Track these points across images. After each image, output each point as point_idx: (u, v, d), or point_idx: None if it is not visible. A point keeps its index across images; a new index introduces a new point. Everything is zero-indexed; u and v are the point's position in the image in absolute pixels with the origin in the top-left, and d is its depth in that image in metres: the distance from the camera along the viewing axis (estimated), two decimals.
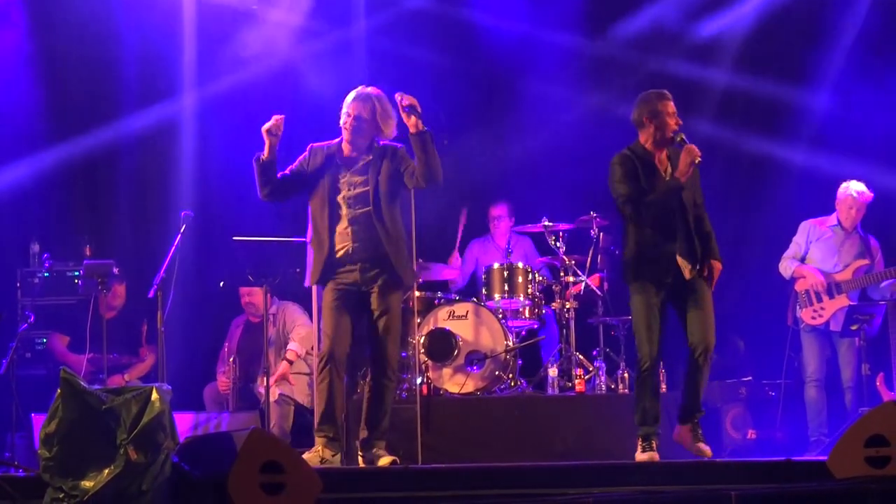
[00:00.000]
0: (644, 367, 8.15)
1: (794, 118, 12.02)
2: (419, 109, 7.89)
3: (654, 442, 8.07)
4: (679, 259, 8.10)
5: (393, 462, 7.88)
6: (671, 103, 8.19)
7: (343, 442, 8.28)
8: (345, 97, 8.13)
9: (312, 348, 9.86)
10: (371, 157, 8.06)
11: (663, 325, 8.21)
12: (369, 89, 8.10)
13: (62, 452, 5.50)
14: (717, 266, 8.19)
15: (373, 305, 8.01)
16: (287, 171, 8.16)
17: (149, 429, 5.51)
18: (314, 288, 8.69)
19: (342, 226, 8.01)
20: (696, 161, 7.98)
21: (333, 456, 7.95)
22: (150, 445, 5.53)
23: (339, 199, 8.02)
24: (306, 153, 8.18)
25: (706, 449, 8.10)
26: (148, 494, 5.46)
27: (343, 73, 11.34)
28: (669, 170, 8.12)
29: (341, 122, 8.08)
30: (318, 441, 7.96)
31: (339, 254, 8.00)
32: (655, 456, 8.00)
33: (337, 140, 8.16)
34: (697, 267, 8.12)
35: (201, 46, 11.74)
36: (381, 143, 8.11)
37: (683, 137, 8.09)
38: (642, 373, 8.17)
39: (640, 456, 8.04)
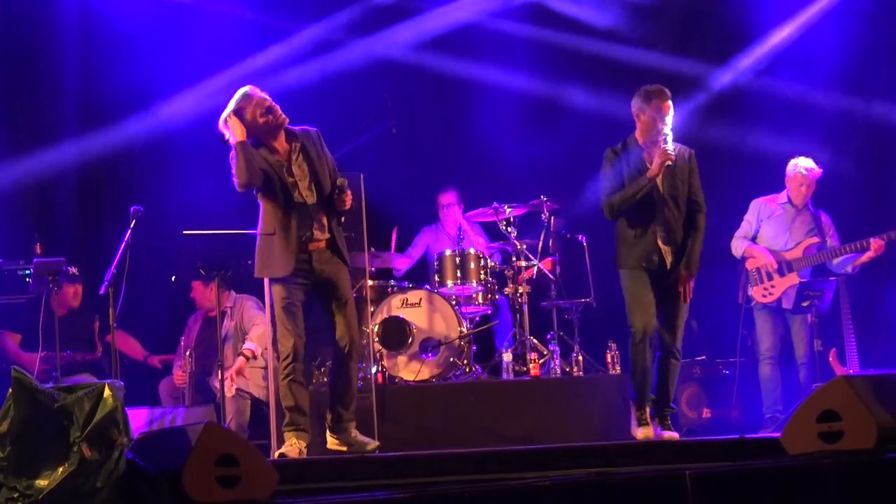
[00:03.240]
0: (634, 341, 8.25)
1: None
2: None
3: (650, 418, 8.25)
4: (661, 246, 8.26)
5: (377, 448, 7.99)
6: (664, 102, 8.24)
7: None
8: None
9: (266, 349, 9.90)
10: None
11: (653, 299, 8.32)
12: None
13: (15, 452, 5.47)
14: (684, 275, 8.31)
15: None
16: None
17: (102, 426, 5.49)
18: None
19: None
20: (667, 163, 8.08)
21: (306, 447, 7.99)
22: (103, 442, 5.51)
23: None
24: None
25: (672, 435, 8.23)
26: (103, 491, 5.45)
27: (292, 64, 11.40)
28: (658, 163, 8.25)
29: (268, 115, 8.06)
30: (290, 435, 7.99)
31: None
32: (650, 433, 8.11)
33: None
34: (678, 260, 8.29)
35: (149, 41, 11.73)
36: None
37: (666, 138, 8.15)
38: (633, 346, 8.26)
39: (637, 432, 8.09)
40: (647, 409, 8.28)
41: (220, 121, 8.05)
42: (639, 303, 8.24)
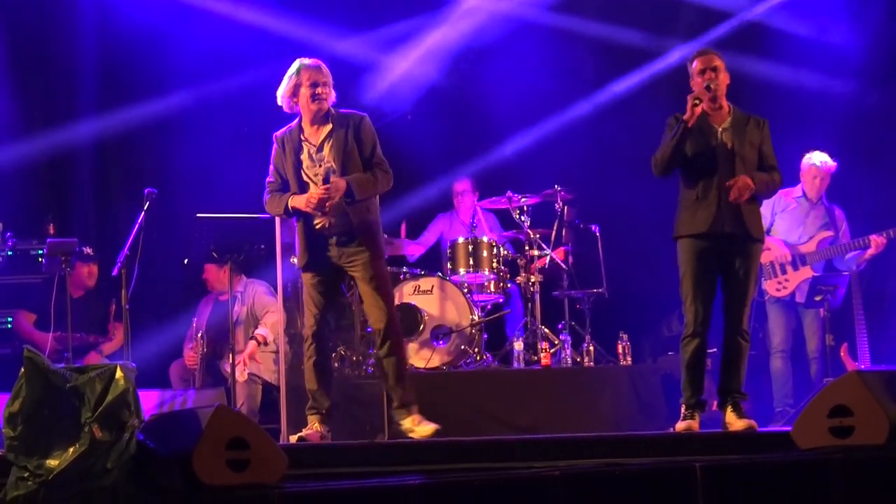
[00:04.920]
0: (684, 335, 7.96)
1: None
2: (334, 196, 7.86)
3: (695, 412, 7.87)
4: (726, 209, 7.85)
5: (435, 432, 7.87)
6: (700, 59, 7.99)
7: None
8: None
9: (278, 335, 9.92)
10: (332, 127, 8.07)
11: (711, 286, 7.93)
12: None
13: (26, 431, 5.48)
14: (743, 179, 7.84)
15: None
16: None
17: (113, 407, 5.50)
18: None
19: None
20: (694, 104, 7.82)
21: (329, 432, 7.97)
22: (114, 423, 5.51)
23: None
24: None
25: (749, 423, 7.86)
26: (113, 472, 5.45)
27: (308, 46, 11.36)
28: (725, 126, 7.96)
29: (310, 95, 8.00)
30: (312, 418, 7.98)
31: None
32: (693, 425, 7.80)
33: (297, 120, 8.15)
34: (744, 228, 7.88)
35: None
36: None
37: (704, 93, 7.93)
38: (681, 340, 7.98)
39: (678, 425, 7.93)
40: (696, 412, 7.89)
41: (279, 95, 8.06)
42: (692, 289, 7.87)
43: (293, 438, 7.95)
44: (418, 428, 7.88)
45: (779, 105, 11.41)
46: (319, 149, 7.96)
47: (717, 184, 7.86)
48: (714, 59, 8.01)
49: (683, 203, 7.98)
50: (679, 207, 8.02)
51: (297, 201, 7.87)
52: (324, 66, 8.02)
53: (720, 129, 7.95)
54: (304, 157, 7.98)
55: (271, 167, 8.10)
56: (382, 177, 7.98)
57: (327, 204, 7.80)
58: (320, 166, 7.94)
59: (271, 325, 10.37)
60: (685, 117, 7.79)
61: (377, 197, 8.09)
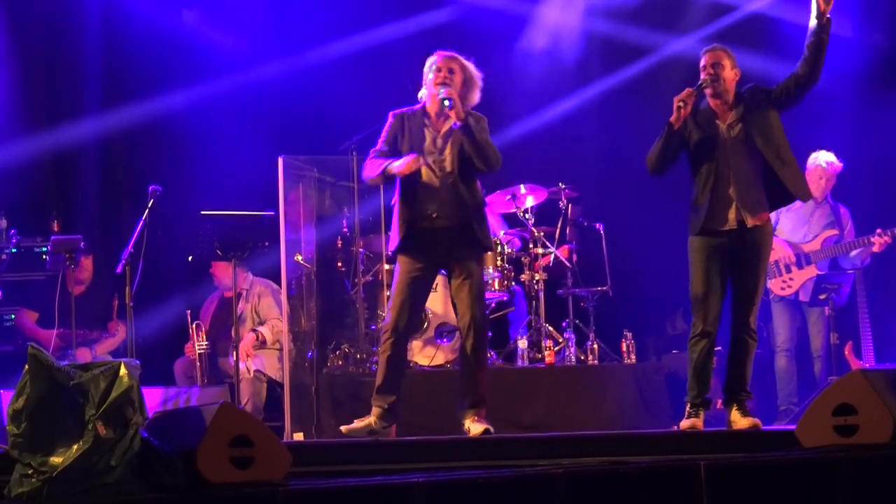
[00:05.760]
0: (692, 334, 7.89)
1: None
2: (458, 103, 7.77)
3: (700, 410, 7.80)
4: (736, 204, 7.80)
5: (485, 431, 7.72)
6: (705, 56, 7.93)
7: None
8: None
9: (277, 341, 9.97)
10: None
11: (722, 285, 7.87)
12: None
13: (30, 428, 5.48)
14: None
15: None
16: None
17: (117, 404, 5.49)
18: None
19: None
20: (678, 107, 7.79)
21: (384, 428, 7.89)
22: (118, 421, 5.51)
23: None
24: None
25: (754, 421, 7.81)
26: (117, 470, 5.45)
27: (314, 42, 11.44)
28: (731, 121, 7.89)
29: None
30: (374, 411, 7.90)
31: None
32: (698, 423, 7.74)
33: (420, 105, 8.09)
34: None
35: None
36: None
37: (701, 87, 7.91)
38: (689, 340, 7.91)
39: (682, 423, 7.83)
40: (700, 410, 7.83)
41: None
42: (697, 290, 7.83)
43: (343, 429, 7.87)
44: (473, 426, 7.78)
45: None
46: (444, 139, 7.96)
47: (722, 181, 7.82)
48: (718, 56, 7.95)
49: (693, 201, 7.95)
50: (691, 206, 7.99)
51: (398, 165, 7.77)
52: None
53: (725, 125, 7.91)
54: (426, 144, 7.94)
55: (382, 139, 8.03)
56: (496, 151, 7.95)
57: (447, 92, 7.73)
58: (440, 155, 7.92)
59: (273, 330, 10.37)
60: (671, 119, 7.79)
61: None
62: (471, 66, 8.00)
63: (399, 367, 8.00)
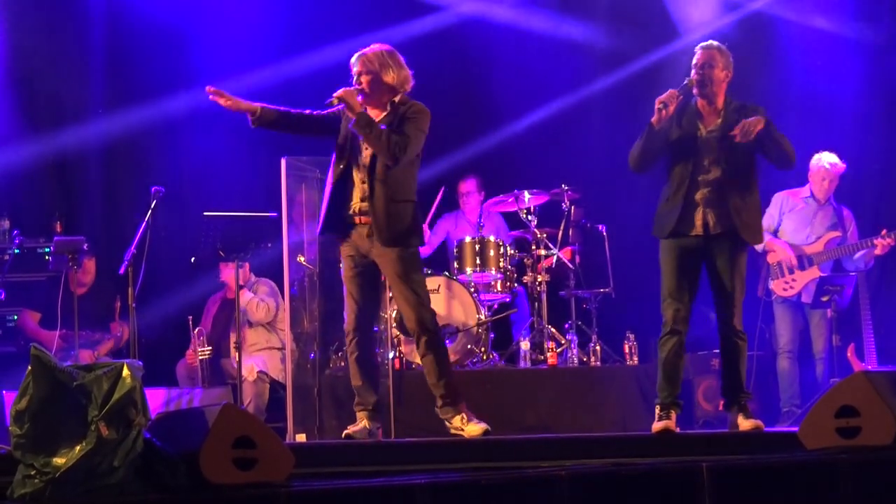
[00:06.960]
0: (662, 333, 7.93)
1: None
2: (348, 99, 7.73)
3: (671, 411, 7.77)
4: (702, 207, 7.82)
5: (485, 432, 7.70)
6: (698, 53, 7.91)
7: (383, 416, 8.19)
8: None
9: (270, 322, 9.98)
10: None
11: (692, 285, 7.91)
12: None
13: (33, 429, 5.48)
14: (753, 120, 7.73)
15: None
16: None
17: (120, 405, 5.49)
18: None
19: None
20: (659, 108, 7.76)
21: (378, 428, 7.91)
22: (121, 422, 5.51)
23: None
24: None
25: (756, 423, 7.75)
26: (120, 470, 5.45)
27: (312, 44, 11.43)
28: (719, 122, 7.87)
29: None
30: (360, 415, 7.91)
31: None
32: (670, 425, 7.69)
33: None
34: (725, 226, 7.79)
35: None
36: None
37: (687, 87, 7.90)
38: (659, 339, 7.95)
39: (654, 426, 7.79)
40: (672, 411, 7.77)
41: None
42: (667, 288, 7.90)
43: (344, 435, 7.86)
44: (467, 427, 7.75)
45: (785, 103, 11.43)
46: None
47: (695, 185, 7.83)
48: (711, 56, 7.91)
49: (664, 201, 7.98)
50: (660, 206, 8.02)
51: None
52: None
53: (706, 130, 7.90)
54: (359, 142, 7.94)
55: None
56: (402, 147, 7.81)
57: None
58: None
59: (252, 304, 10.42)
60: (652, 120, 7.79)
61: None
62: (372, 52, 7.93)
63: (372, 365, 8.04)
